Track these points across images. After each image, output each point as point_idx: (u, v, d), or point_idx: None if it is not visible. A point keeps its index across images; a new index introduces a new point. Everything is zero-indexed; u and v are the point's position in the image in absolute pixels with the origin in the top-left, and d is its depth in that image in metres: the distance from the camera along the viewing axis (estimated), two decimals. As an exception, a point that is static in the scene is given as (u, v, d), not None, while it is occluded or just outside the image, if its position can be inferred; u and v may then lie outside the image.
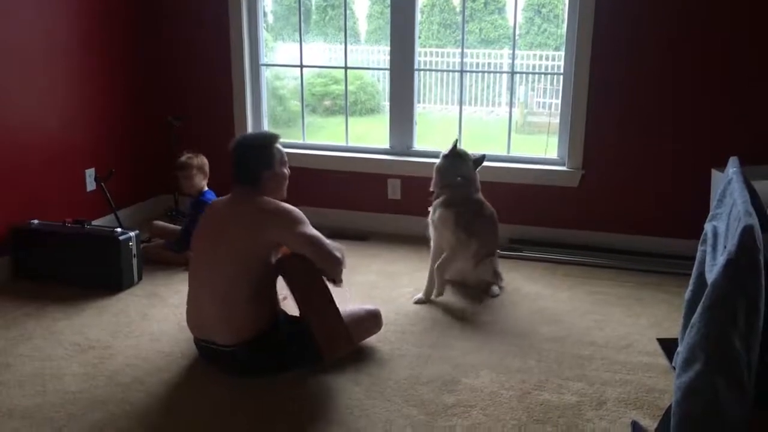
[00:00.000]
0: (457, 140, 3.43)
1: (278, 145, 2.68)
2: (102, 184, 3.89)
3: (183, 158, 3.79)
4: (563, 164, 4.05)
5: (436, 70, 8.69)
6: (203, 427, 2.32)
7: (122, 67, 4.26)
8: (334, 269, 2.55)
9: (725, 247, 1.93)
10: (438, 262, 3.32)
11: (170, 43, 4.46)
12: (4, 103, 3.46)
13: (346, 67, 4.45)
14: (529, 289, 3.49)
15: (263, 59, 4.45)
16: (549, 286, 3.54)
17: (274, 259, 2.60)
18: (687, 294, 2.47)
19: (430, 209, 3.39)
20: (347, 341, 2.62)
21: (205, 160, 3.83)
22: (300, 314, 2.62)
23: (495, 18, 8.33)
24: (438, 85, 8.65)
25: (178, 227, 3.92)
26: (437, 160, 3.43)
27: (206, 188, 3.83)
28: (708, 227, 2.36)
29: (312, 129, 5.51)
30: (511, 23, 4.37)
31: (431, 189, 3.42)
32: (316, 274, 2.55)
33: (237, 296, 2.51)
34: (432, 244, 3.40)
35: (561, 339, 2.94)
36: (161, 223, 4.02)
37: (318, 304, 2.56)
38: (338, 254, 2.56)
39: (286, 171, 2.71)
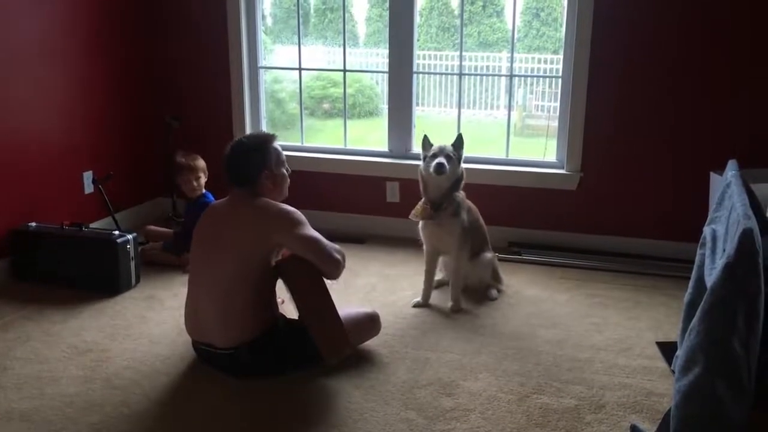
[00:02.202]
0: (426, 137, 3.22)
1: (275, 145, 2.66)
2: (100, 186, 3.88)
3: (188, 161, 3.77)
4: (562, 167, 4.05)
5: (435, 73, 8.71)
6: (201, 431, 2.32)
7: (121, 69, 4.25)
8: (333, 271, 2.55)
9: (724, 250, 1.93)
10: (453, 275, 3.27)
11: (169, 46, 4.46)
12: (2, 106, 3.46)
13: (344, 70, 4.44)
14: (528, 293, 3.48)
15: (262, 62, 4.45)
16: (547, 289, 3.53)
17: (273, 262, 2.60)
18: (686, 297, 2.47)
19: (417, 216, 3.23)
20: (346, 344, 2.61)
21: (204, 162, 3.84)
22: (299, 317, 2.62)
23: (493, 21, 8.34)
24: (436, 88, 8.66)
25: (172, 230, 3.93)
26: (433, 164, 3.09)
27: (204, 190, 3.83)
28: (707, 230, 2.35)
29: (310, 132, 5.51)
30: (510, 26, 4.37)
31: (435, 200, 3.17)
32: (315, 277, 2.55)
33: (236, 299, 2.51)
34: (427, 248, 3.33)
35: (560, 342, 2.94)
36: (154, 227, 4.02)
37: (317, 307, 2.56)
38: (338, 256, 2.55)
39: (285, 171, 2.70)
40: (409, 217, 3.29)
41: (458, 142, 3.19)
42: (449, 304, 3.26)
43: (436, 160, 3.10)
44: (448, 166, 3.09)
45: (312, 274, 2.54)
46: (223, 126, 4.44)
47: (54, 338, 2.93)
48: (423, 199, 3.24)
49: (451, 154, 3.14)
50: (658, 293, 3.48)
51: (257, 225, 2.53)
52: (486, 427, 2.32)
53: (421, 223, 3.28)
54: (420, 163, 3.23)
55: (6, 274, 3.52)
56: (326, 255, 2.52)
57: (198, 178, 3.77)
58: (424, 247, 3.35)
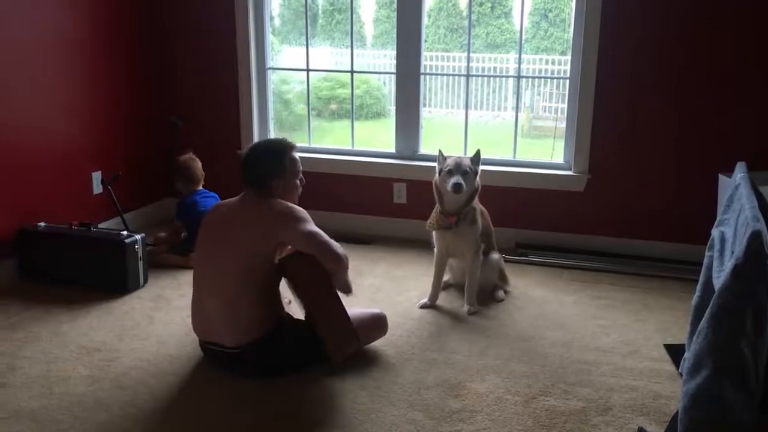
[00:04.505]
0: (440, 151, 3.19)
1: (293, 156, 2.67)
2: (108, 186, 3.90)
3: (196, 161, 3.81)
4: (569, 169, 4.04)
5: (443, 75, 8.70)
6: (208, 430, 2.32)
7: (129, 69, 4.27)
8: (336, 265, 2.54)
9: (733, 252, 1.93)
10: (469, 278, 3.25)
11: (177, 46, 4.48)
12: (12, 106, 3.48)
13: (352, 71, 4.45)
14: (535, 294, 3.48)
15: (270, 63, 4.46)
16: (554, 290, 3.53)
17: (276, 260, 2.60)
18: (694, 300, 2.46)
19: (433, 227, 3.22)
20: (355, 339, 2.61)
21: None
22: (305, 314, 2.62)
23: (501, 22, 8.33)
24: (444, 90, 8.65)
25: (182, 233, 3.94)
26: (456, 181, 3.05)
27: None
28: (715, 233, 2.35)
29: (318, 133, 5.51)
30: (518, 27, 4.37)
31: (452, 212, 3.14)
32: (321, 272, 2.54)
33: (241, 298, 2.51)
34: (439, 251, 3.32)
35: (567, 344, 2.93)
36: (164, 235, 4.01)
37: (321, 300, 2.55)
38: (340, 251, 2.55)
39: (298, 182, 2.70)
40: (426, 227, 3.28)
41: (476, 158, 3.17)
42: (465, 307, 3.25)
43: (453, 180, 3.05)
44: (465, 185, 3.07)
45: (315, 269, 2.53)
46: (231, 127, 4.45)
47: (62, 338, 2.94)
48: (437, 208, 3.22)
49: (468, 168, 3.10)
50: (665, 295, 3.46)
51: (262, 223, 2.54)
52: (492, 429, 2.32)
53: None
54: (436, 176, 3.19)
55: (15, 274, 3.54)
56: (328, 248, 2.52)
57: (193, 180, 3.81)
58: (436, 249, 3.34)
